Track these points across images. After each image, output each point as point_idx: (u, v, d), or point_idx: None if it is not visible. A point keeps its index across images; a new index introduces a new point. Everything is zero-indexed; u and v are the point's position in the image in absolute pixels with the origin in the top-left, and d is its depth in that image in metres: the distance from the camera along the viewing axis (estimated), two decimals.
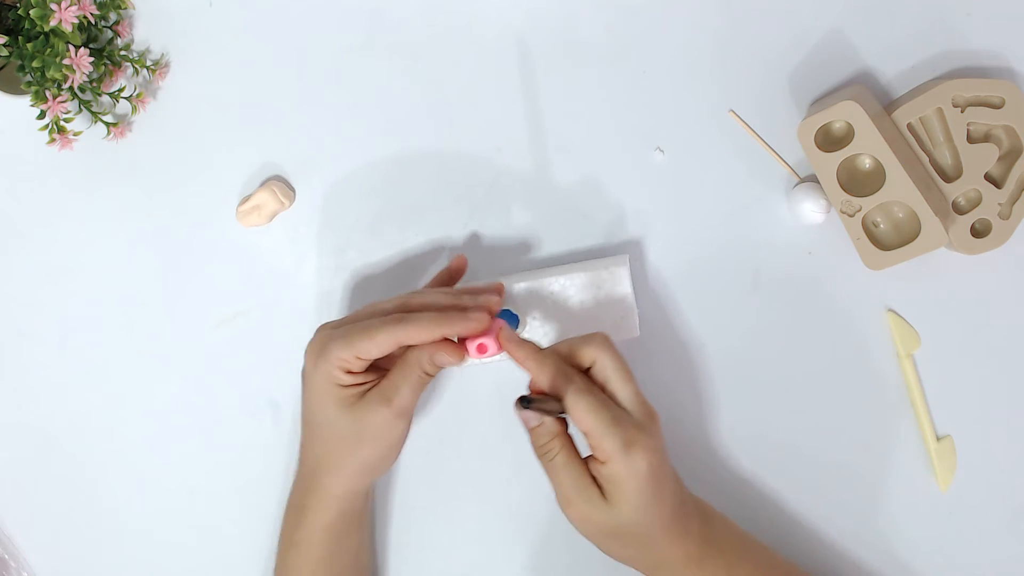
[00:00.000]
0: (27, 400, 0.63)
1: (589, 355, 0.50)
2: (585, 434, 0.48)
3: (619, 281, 0.57)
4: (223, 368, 0.63)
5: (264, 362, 0.62)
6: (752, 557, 0.54)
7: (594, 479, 0.49)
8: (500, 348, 0.51)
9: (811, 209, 0.58)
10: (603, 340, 0.50)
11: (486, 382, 0.61)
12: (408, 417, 0.52)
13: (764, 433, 0.60)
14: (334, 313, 0.62)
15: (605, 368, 0.50)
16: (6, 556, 0.62)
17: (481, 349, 0.51)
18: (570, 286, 0.57)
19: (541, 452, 0.50)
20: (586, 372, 0.51)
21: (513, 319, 0.56)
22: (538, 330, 0.58)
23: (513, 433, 0.61)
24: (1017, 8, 0.59)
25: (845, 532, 0.59)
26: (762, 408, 0.60)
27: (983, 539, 0.59)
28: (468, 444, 0.61)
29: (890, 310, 0.60)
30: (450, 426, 0.62)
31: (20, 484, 0.64)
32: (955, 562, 0.59)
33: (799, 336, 0.60)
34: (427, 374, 0.52)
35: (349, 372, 0.51)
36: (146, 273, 0.63)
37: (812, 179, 0.59)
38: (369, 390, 0.52)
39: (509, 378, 0.61)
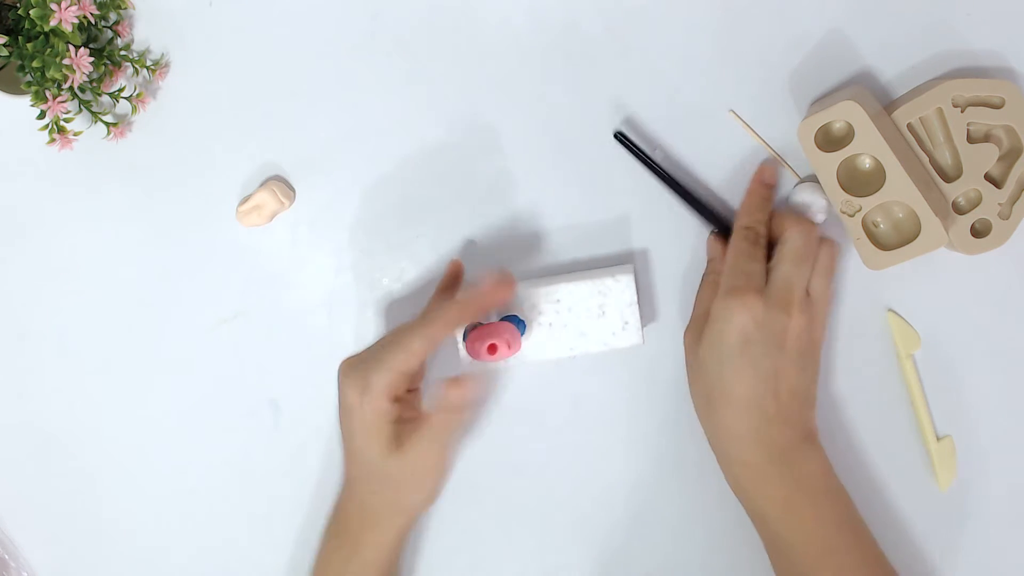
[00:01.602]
0: (27, 400, 0.63)
1: (785, 224, 0.54)
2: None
3: (624, 289, 0.57)
4: (223, 368, 0.63)
5: (264, 362, 0.62)
6: (840, 507, 0.54)
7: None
8: (510, 349, 0.52)
9: (811, 209, 0.58)
10: (802, 223, 0.54)
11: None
12: (454, 449, 0.55)
13: None
14: (334, 313, 0.62)
15: (783, 242, 0.53)
16: (6, 556, 0.62)
17: (491, 349, 0.52)
18: (575, 293, 0.57)
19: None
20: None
21: (520, 324, 0.56)
22: (544, 336, 0.58)
23: (513, 433, 0.61)
24: (1017, 8, 0.59)
25: None
26: None
27: (983, 539, 0.59)
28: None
29: (890, 310, 0.60)
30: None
31: (20, 484, 0.64)
32: (955, 562, 0.59)
33: None
34: (453, 429, 0.53)
35: (397, 400, 0.51)
36: (146, 273, 0.63)
37: (812, 179, 0.59)
38: (409, 432, 0.52)
39: (509, 379, 0.61)
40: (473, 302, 0.52)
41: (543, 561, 0.61)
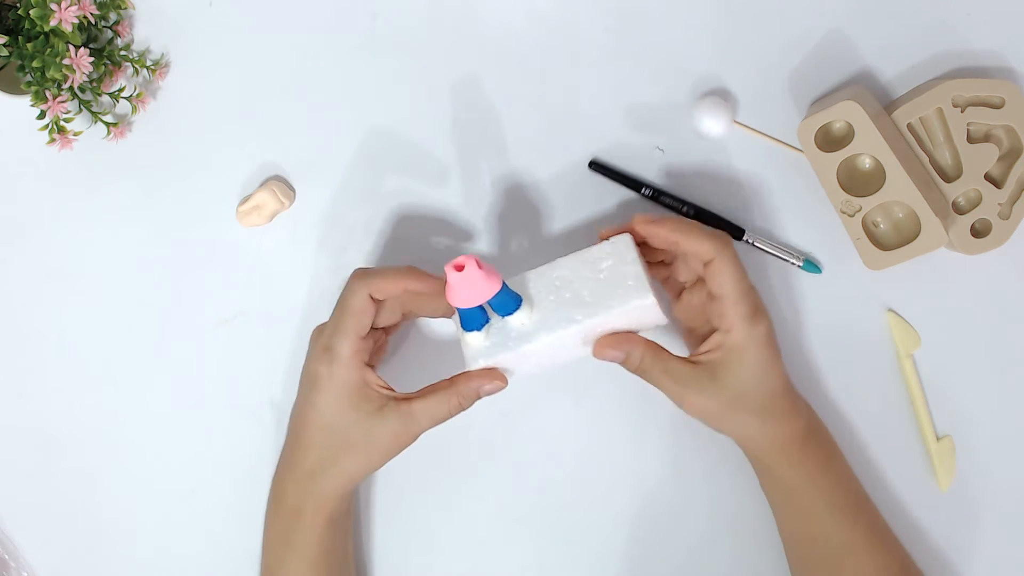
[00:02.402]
0: (27, 400, 0.63)
1: (706, 246, 0.51)
2: (717, 298, 0.51)
3: (623, 251, 0.53)
4: (223, 368, 0.63)
5: (264, 362, 0.62)
6: (840, 455, 0.56)
7: (694, 362, 0.52)
8: (481, 269, 0.47)
9: (711, 125, 0.59)
10: (725, 241, 0.52)
11: None
12: (417, 438, 0.54)
13: None
14: None
15: (722, 270, 0.51)
16: (6, 556, 0.62)
17: (457, 267, 0.47)
18: (573, 266, 0.53)
19: (639, 371, 0.53)
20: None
21: (515, 298, 0.52)
22: (550, 314, 0.53)
23: (513, 433, 0.61)
24: (1017, 8, 0.59)
25: None
26: None
27: (983, 539, 0.59)
28: (468, 444, 0.61)
29: (890, 310, 0.60)
30: (450, 426, 0.62)
31: (20, 484, 0.64)
32: (955, 562, 0.59)
33: (799, 336, 0.60)
34: (461, 407, 0.53)
35: (369, 365, 0.52)
36: (146, 273, 0.63)
37: (720, 92, 0.60)
38: (387, 404, 0.52)
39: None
40: (427, 275, 0.53)
41: (543, 561, 0.61)
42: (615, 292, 0.52)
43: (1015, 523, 0.59)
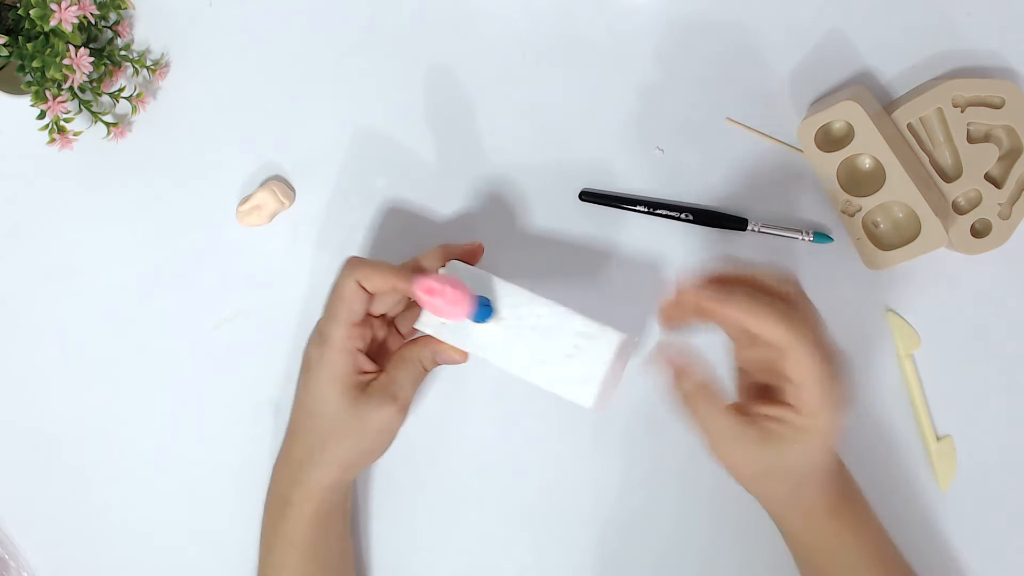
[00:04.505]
0: (27, 400, 0.63)
1: (780, 339, 0.45)
2: (795, 382, 0.45)
3: (604, 347, 0.50)
4: (223, 368, 0.63)
5: (264, 362, 0.62)
6: (872, 519, 0.54)
7: (749, 418, 0.47)
8: (447, 299, 0.47)
9: None
10: (795, 287, 0.47)
11: (485, 381, 0.61)
12: (407, 412, 0.53)
13: None
14: None
15: (800, 361, 0.45)
16: (6, 556, 0.62)
17: (428, 290, 0.46)
18: (559, 319, 0.51)
19: (688, 399, 0.48)
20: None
21: (485, 309, 0.51)
22: (504, 341, 0.52)
23: (513, 433, 0.61)
24: (1017, 8, 0.59)
25: None
26: None
27: (983, 539, 0.59)
28: (468, 444, 0.61)
29: (890, 310, 0.60)
30: (449, 426, 0.62)
31: (20, 484, 0.64)
32: (955, 562, 0.59)
33: None
34: (425, 370, 0.53)
35: (360, 351, 0.52)
36: (146, 273, 0.63)
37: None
38: (370, 383, 0.52)
39: (508, 377, 0.61)
40: (429, 255, 0.53)
41: (542, 561, 0.61)
42: (564, 376, 0.50)
43: (1015, 523, 0.59)
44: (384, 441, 0.53)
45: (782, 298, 0.47)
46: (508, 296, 0.52)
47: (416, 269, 0.54)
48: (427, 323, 0.53)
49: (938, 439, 0.59)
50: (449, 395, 0.62)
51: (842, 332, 0.60)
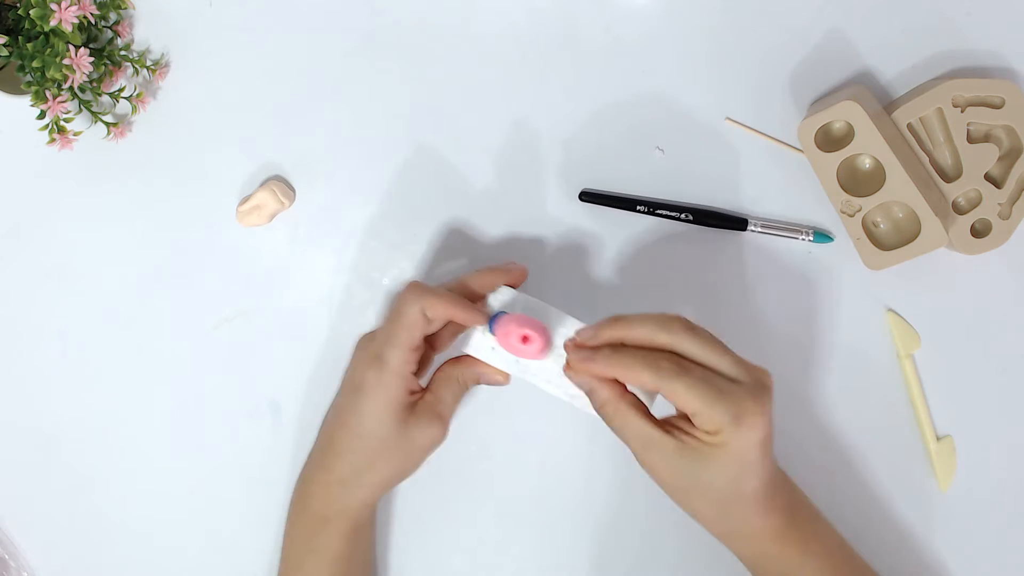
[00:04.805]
0: (27, 400, 0.63)
1: (669, 343, 0.48)
2: (691, 415, 0.47)
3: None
4: (223, 368, 0.63)
5: (264, 362, 0.62)
6: (825, 539, 0.53)
7: (668, 429, 0.48)
8: (541, 349, 0.49)
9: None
10: (678, 326, 0.48)
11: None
12: (448, 430, 0.54)
13: None
14: (334, 313, 0.62)
15: (692, 353, 0.48)
16: (6, 556, 0.62)
17: (525, 339, 0.49)
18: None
19: (602, 413, 0.50)
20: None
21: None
22: (555, 367, 0.52)
23: (513, 433, 0.61)
24: (1017, 8, 0.59)
25: (845, 532, 0.59)
26: None
27: (983, 539, 0.59)
28: (468, 444, 0.61)
29: (890, 310, 0.60)
30: (450, 426, 0.62)
31: (20, 484, 0.64)
32: (955, 562, 0.59)
33: (799, 336, 0.60)
34: (467, 388, 0.54)
35: (413, 373, 0.52)
36: (146, 273, 0.63)
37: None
38: (416, 404, 0.53)
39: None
40: (477, 277, 0.53)
41: (542, 561, 0.61)
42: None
43: (1015, 523, 0.59)
44: (425, 458, 0.54)
45: (656, 342, 0.49)
46: (552, 319, 0.52)
47: (468, 295, 0.53)
48: (478, 348, 0.53)
49: (938, 439, 0.59)
50: None
51: (842, 332, 0.60)
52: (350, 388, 0.53)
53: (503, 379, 0.54)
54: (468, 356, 0.54)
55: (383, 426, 0.51)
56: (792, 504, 0.52)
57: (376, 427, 0.51)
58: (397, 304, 0.52)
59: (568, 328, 0.52)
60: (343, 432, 0.53)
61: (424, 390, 0.54)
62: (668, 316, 0.49)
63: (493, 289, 0.54)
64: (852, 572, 0.53)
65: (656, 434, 0.48)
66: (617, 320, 0.50)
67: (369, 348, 0.52)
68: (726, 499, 0.49)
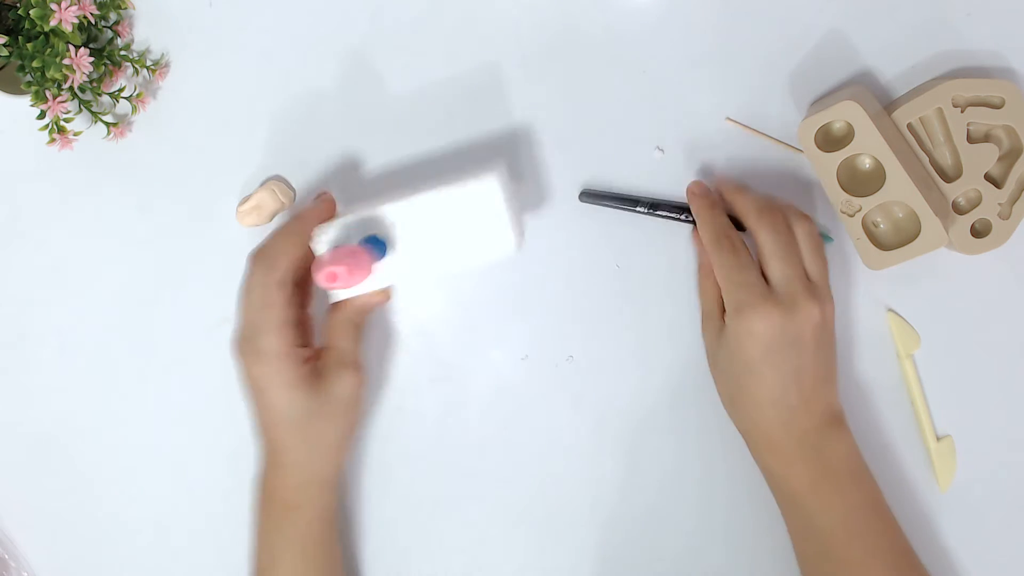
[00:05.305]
0: (27, 400, 0.63)
1: (750, 227, 0.54)
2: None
3: (490, 192, 0.52)
4: (223, 368, 0.62)
5: None
6: (852, 498, 0.53)
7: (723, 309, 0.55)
8: (351, 275, 0.49)
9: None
10: (765, 221, 0.53)
11: (485, 380, 0.61)
12: (363, 371, 0.54)
13: None
14: None
15: (761, 244, 0.53)
16: (6, 556, 0.62)
17: (330, 277, 0.49)
18: (439, 204, 0.53)
19: (698, 277, 0.59)
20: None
21: (379, 245, 0.53)
22: (413, 254, 0.54)
23: (512, 432, 0.61)
24: (1017, 8, 0.59)
25: None
26: None
27: (983, 539, 0.59)
28: (467, 444, 0.61)
29: (890, 310, 0.60)
30: (448, 426, 0.62)
31: (20, 484, 0.64)
32: (955, 562, 0.59)
33: None
34: (359, 325, 0.55)
35: (298, 346, 0.52)
36: (146, 273, 0.63)
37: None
38: (318, 366, 0.53)
39: (508, 377, 0.61)
40: (295, 226, 0.54)
41: (542, 561, 0.61)
42: (479, 244, 0.53)
43: (1015, 523, 0.59)
44: (357, 408, 0.55)
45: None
46: (389, 216, 0.53)
47: (303, 238, 0.54)
48: (339, 292, 0.54)
49: (938, 439, 0.59)
50: (449, 395, 0.62)
51: (842, 332, 0.60)
52: (252, 392, 0.53)
53: (383, 297, 0.56)
54: (347, 302, 0.55)
55: (297, 404, 0.51)
56: (819, 449, 0.52)
57: (293, 410, 0.52)
58: (247, 291, 0.52)
59: (394, 214, 0.53)
60: (273, 430, 0.53)
61: (319, 350, 0.54)
62: (767, 208, 0.54)
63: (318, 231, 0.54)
64: (881, 533, 0.53)
65: (714, 309, 0.56)
66: (738, 188, 0.56)
67: (244, 347, 0.52)
68: (732, 389, 0.54)
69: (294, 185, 0.63)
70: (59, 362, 0.63)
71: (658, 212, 0.60)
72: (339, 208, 0.58)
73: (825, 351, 0.53)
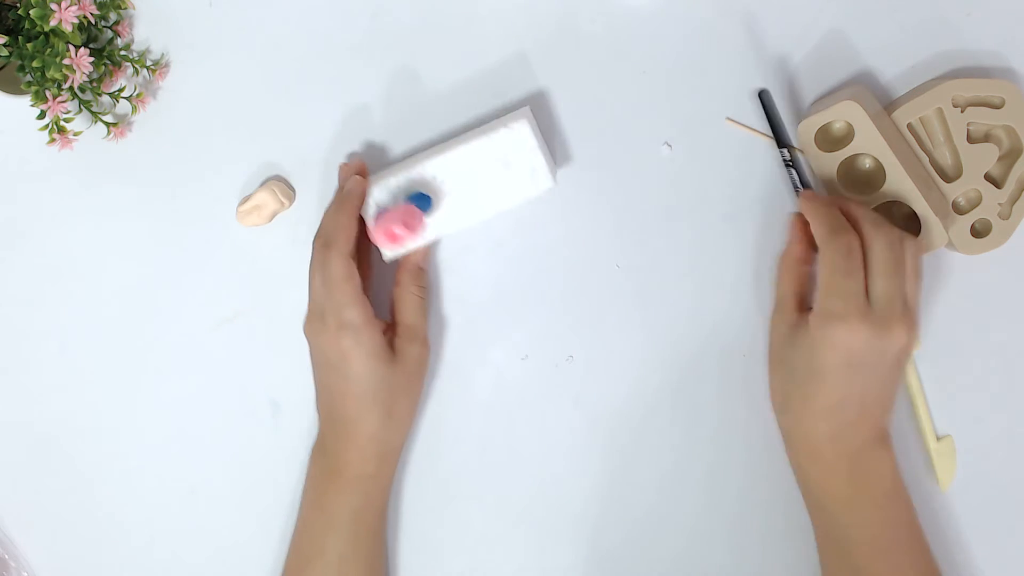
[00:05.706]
0: (27, 400, 0.63)
1: (864, 231, 0.51)
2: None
3: (522, 137, 0.56)
4: (223, 368, 0.63)
5: (264, 362, 0.62)
6: (901, 509, 0.53)
7: (802, 305, 0.55)
8: (410, 230, 0.54)
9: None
10: (881, 226, 0.51)
11: (485, 380, 0.61)
12: (428, 341, 0.59)
13: (764, 432, 0.59)
14: None
15: (871, 256, 0.51)
16: (6, 556, 0.63)
17: (392, 237, 0.54)
18: (473, 154, 0.57)
19: (779, 260, 0.57)
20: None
21: (424, 200, 0.56)
22: (456, 206, 0.57)
23: (513, 432, 0.61)
24: (1017, 8, 0.59)
25: None
26: (762, 408, 0.59)
27: (983, 539, 0.59)
28: (468, 444, 0.61)
29: None
30: (449, 426, 0.62)
31: (20, 484, 0.64)
32: (955, 562, 0.59)
33: None
34: (421, 295, 0.58)
35: (374, 314, 0.54)
36: (146, 273, 0.63)
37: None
38: (393, 339, 0.56)
39: (508, 377, 0.61)
40: (345, 201, 0.56)
41: (542, 561, 0.61)
42: (518, 184, 0.57)
43: (1015, 523, 0.59)
44: (422, 381, 0.59)
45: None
46: (428, 172, 0.57)
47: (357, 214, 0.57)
48: (393, 250, 0.58)
49: (938, 439, 0.59)
50: (449, 395, 0.62)
51: None
52: (334, 364, 0.54)
53: (423, 256, 0.59)
54: (399, 266, 0.58)
55: (379, 374, 0.54)
56: (861, 466, 0.52)
57: (375, 379, 0.54)
58: (321, 269, 0.54)
59: (433, 168, 0.57)
60: (350, 401, 0.55)
61: (392, 323, 0.57)
62: (885, 221, 0.52)
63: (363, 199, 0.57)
64: (899, 551, 0.53)
65: (791, 301, 0.55)
66: (853, 202, 0.54)
67: (326, 324, 0.54)
68: (790, 388, 0.53)
69: (294, 185, 0.63)
70: (60, 362, 0.63)
71: (788, 166, 0.58)
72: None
73: (895, 376, 0.52)
